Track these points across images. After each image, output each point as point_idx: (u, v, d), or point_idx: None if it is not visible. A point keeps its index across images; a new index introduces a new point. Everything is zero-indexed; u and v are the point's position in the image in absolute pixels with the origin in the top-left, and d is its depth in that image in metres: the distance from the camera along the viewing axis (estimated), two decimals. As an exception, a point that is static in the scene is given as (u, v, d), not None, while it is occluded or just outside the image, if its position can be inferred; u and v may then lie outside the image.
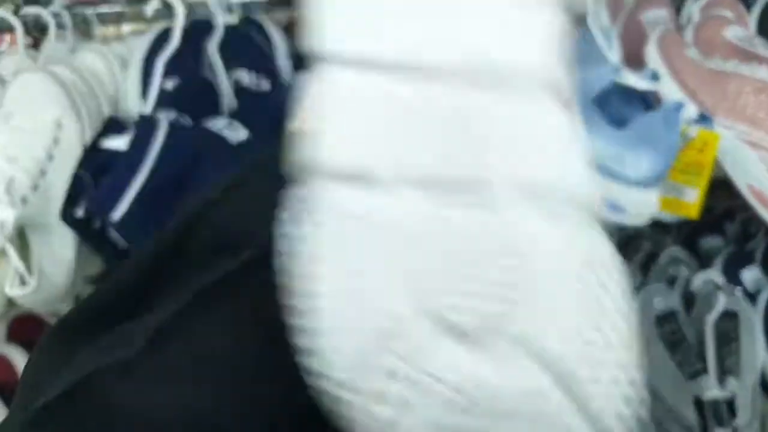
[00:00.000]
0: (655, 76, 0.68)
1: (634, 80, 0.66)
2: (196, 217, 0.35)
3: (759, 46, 0.79)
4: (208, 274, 0.31)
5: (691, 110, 0.66)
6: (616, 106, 0.68)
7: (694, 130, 0.65)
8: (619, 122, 0.66)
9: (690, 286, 0.97)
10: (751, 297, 1.00)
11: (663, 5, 0.92)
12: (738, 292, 0.90)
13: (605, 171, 0.65)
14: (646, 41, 0.81)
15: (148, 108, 0.69)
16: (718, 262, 1.05)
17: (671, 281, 1.01)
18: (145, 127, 0.59)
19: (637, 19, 0.91)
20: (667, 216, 0.72)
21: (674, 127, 0.63)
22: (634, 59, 0.83)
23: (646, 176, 0.64)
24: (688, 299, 1.00)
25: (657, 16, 0.91)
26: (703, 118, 0.66)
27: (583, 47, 0.78)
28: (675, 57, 0.76)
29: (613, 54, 0.84)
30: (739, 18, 0.90)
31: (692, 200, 0.68)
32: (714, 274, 0.93)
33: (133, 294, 0.32)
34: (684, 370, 0.89)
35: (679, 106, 0.63)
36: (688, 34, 0.83)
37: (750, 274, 1.05)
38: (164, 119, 0.61)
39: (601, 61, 0.69)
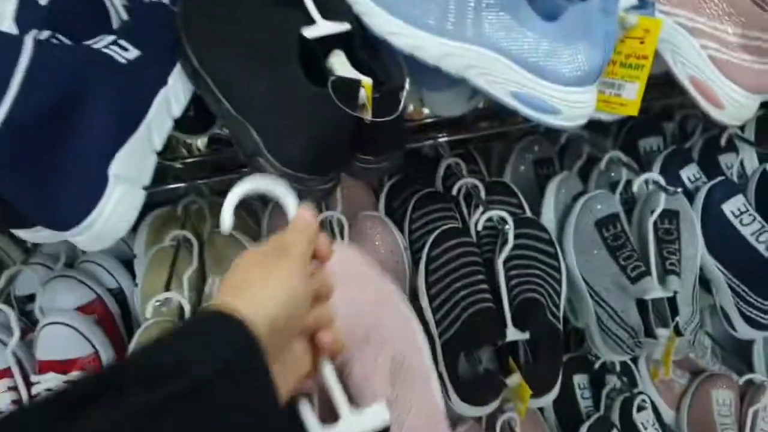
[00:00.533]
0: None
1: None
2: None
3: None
4: (141, 397, 0.31)
5: None
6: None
7: (633, 18, 0.60)
8: (551, 14, 0.59)
9: (630, 188, 0.95)
10: (689, 195, 1.00)
11: None
12: (678, 191, 0.87)
13: (537, 70, 0.59)
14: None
15: (11, 28, 0.59)
16: (658, 163, 1.03)
17: (613, 185, 0.99)
18: (4, 49, 0.50)
19: None
20: (606, 116, 0.68)
21: (611, 15, 0.57)
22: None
23: (582, 73, 0.58)
24: (630, 201, 0.99)
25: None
26: (643, 3, 0.61)
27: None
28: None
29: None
30: None
31: (632, 96, 0.63)
32: (654, 175, 0.90)
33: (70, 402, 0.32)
34: (627, 273, 0.88)
35: (616, -8, 0.58)
36: None
37: (688, 173, 1.04)
38: (30, 39, 0.52)
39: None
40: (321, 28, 0.59)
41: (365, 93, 0.57)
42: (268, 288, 0.39)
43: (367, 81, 0.55)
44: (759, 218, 0.96)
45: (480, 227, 0.83)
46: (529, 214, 0.94)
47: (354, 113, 0.55)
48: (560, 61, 0.58)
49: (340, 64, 0.58)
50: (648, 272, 0.86)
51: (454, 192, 0.91)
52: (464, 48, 0.60)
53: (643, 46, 0.61)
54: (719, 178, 0.98)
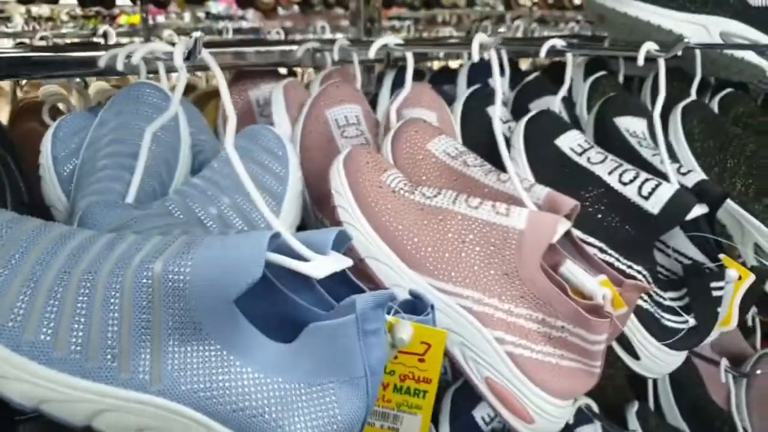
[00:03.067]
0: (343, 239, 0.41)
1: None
2: None
3: (474, 167, 0.58)
4: None
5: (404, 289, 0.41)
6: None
7: (405, 330, 0.40)
8: (283, 330, 0.37)
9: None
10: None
11: (354, 98, 0.69)
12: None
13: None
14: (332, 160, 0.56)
15: None
16: None
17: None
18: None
19: (321, 117, 0.66)
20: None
21: (376, 336, 0.36)
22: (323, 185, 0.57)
23: (338, 430, 0.36)
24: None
25: (347, 113, 0.68)
26: (418, 305, 0.41)
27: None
28: (367, 189, 0.51)
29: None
30: (441, 119, 0.71)
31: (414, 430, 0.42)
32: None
33: None
34: None
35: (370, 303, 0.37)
36: (386, 148, 0.60)
37: None
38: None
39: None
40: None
41: None
42: None
43: None
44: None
45: None
46: None
47: None
48: (297, 414, 0.35)
49: None
50: None
51: None
52: (138, 399, 0.35)
53: (425, 365, 0.41)
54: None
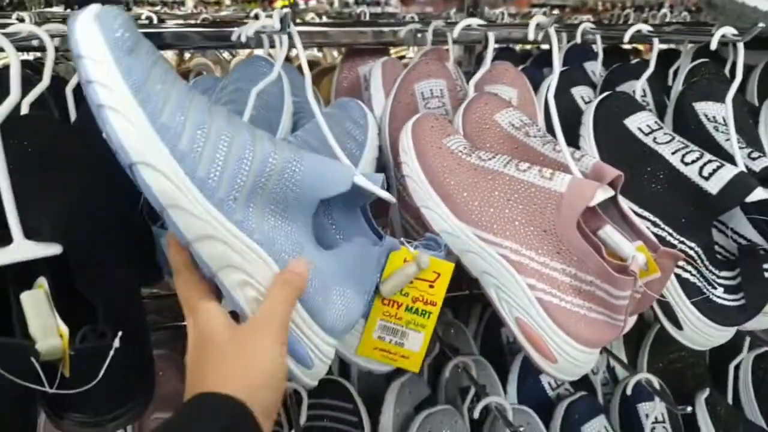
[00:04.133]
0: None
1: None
2: None
3: (534, 138, 0.64)
4: None
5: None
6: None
7: (425, 258, 0.49)
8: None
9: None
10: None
11: (440, 74, 0.77)
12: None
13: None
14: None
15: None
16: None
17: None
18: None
19: (409, 89, 0.75)
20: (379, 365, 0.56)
21: (380, 269, 0.48)
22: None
23: (341, 325, 0.47)
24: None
25: (432, 86, 0.76)
26: (433, 244, 0.51)
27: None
28: (428, 148, 0.60)
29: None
30: (522, 96, 0.77)
31: (416, 349, 0.52)
32: (497, 400, 0.76)
33: None
34: None
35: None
36: (457, 117, 0.67)
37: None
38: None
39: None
40: (10, 252, 0.44)
41: (61, 345, 0.41)
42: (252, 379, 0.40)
43: (53, 344, 0.40)
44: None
45: None
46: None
47: (24, 383, 0.39)
48: (329, 303, 0.46)
49: (33, 303, 0.42)
50: None
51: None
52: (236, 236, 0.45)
53: (433, 290, 0.51)
54: (580, 394, 0.87)
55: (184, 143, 0.41)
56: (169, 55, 1.46)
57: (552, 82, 0.60)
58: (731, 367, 0.95)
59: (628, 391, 0.86)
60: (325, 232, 0.49)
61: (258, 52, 0.89)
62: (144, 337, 0.50)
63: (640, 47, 1.44)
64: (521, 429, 0.71)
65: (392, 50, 1.05)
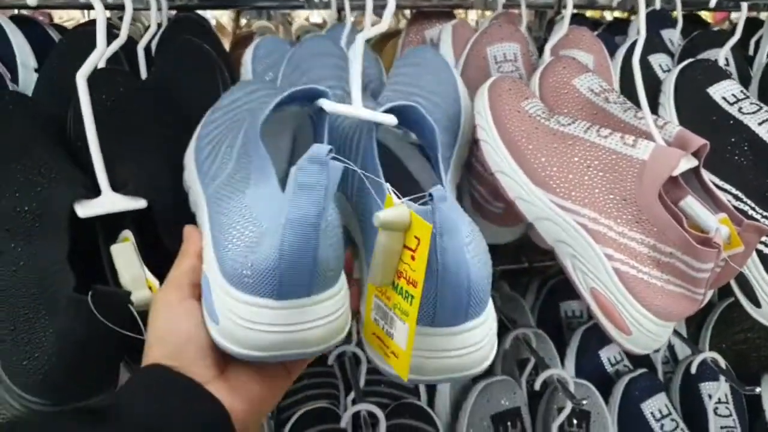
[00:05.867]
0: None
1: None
2: None
3: (614, 104, 0.62)
4: None
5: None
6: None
7: (389, 212, 0.35)
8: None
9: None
10: (608, 382, 0.86)
11: (514, 38, 0.75)
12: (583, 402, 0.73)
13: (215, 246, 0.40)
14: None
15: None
16: (575, 340, 0.90)
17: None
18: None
19: (482, 53, 0.73)
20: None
21: (313, 190, 0.34)
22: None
23: (248, 272, 0.35)
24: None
25: (506, 50, 0.74)
26: (423, 196, 0.36)
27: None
28: (506, 111, 0.58)
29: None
30: (598, 63, 0.74)
31: (402, 345, 0.37)
32: (559, 372, 0.76)
33: None
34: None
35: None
36: (534, 80, 0.66)
37: (608, 354, 0.91)
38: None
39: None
40: (101, 204, 0.44)
41: (150, 297, 0.42)
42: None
43: (145, 294, 0.40)
44: (682, 425, 0.82)
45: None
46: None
47: (121, 330, 0.40)
48: (236, 242, 0.36)
49: (123, 255, 0.43)
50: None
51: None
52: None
53: (415, 264, 0.35)
54: (640, 371, 0.85)
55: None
56: (225, 19, 1.47)
57: (638, 46, 0.58)
58: (800, 350, 0.92)
59: (692, 370, 0.84)
60: None
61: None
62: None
63: (709, 18, 1.38)
64: (584, 401, 0.70)
65: (457, 13, 1.02)
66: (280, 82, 0.67)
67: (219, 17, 1.37)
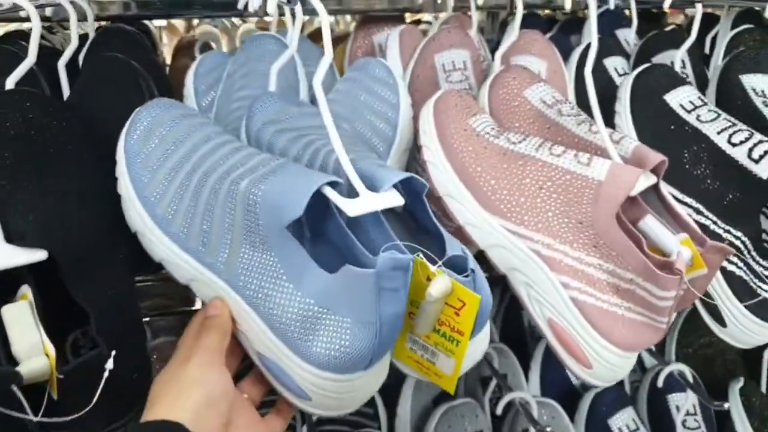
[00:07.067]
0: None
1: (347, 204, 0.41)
2: None
3: (568, 116, 0.58)
4: None
5: (454, 246, 0.43)
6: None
7: (437, 286, 0.40)
8: (331, 262, 0.42)
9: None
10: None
11: (463, 44, 0.71)
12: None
13: (288, 339, 0.42)
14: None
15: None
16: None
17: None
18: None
19: (429, 61, 0.69)
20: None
21: (396, 293, 0.39)
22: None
23: (344, 357, 0.40)
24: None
25: (454, 58, 0.70)
26: (460, 261, 0.42)
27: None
28: (452, 130, 0.54)
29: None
30: (551, 69, 0.71)
31: (448, 372, 0.45)
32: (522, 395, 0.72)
33: None
34: None
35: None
36: (483, 93, 0.62)
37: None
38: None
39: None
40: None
41: (47, 367, 0.37)
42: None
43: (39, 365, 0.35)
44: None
45: None
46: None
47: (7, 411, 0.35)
48: (317, 334, 0.41)
49: (17, 317, 0.38)
50: None
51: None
52: (212, 279, 0.43)
53: (459, 319, 0.42)
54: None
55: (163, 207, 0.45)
56: (177, 21, 1.41)
57: (590, 54, 0.54)
58: (766, 353, 0.90)
59: (659, 383, 0.81)
60: (350, 248, 0.43)
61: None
62: (141, 343, 0.46)
63: (667, 9, 1.36)
64: (548, 429, 0.67)
65: (407, 16, 0.98)
66: (222, 85, 0.63)
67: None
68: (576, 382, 0.88)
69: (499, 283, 1.01)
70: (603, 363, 0.51)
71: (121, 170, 0.47)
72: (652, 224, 0.52)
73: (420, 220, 0.47)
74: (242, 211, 0.41)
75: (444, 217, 0.60)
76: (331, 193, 0.40)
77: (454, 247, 0.44)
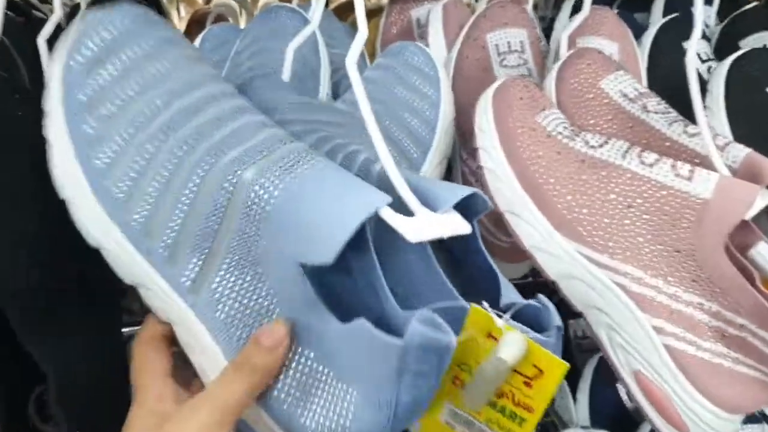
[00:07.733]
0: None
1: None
2: None
3: (655, 114, 0.48)
4: None
5: (509, 290, 0.32)
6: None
7: (511, 349, 0.29)
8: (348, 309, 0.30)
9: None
10: None
11: (519, 22, 0.60)
12: None
13: (282, 417, 0.31)
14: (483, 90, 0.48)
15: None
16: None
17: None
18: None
19: (480, 41, 0.59)
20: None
21: (422, 378, 0.28)
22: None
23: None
24: None
25: (510, 38, 0.59)
26: (543, 315, 0.31)
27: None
28: (517, 129, 0.44)
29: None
30: (624, 53, 0.59)
31: None
32: None
33: None
34: None
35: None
36: (550, 82, 0.51)
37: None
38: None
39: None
40: None
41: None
42: None
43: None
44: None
45: None
46: None
47: None
48: (311, 401, 0.30)
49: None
50: None
51: None
52: (171, 298, 0.32)
53: (530, 391, 0.31)
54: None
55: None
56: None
57: (692, 39, 0.43)
58: None
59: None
60: (374, 289, 0.31)
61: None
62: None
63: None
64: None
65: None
66: (228, 64, 0.52)
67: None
68: (630, 405, 0.78)
69: (542, 288, 0.92)
70: (702, 426, 0.41)
71: (53, 105, 0.32)
72: (766, 253, 0.42)
73: (461, 250, 0.35)
74: (239, 213, 0.30)
75: (503, 233, 0.50)
76: (387, 212, 0.29)
77: (509, 291, 0.33)
